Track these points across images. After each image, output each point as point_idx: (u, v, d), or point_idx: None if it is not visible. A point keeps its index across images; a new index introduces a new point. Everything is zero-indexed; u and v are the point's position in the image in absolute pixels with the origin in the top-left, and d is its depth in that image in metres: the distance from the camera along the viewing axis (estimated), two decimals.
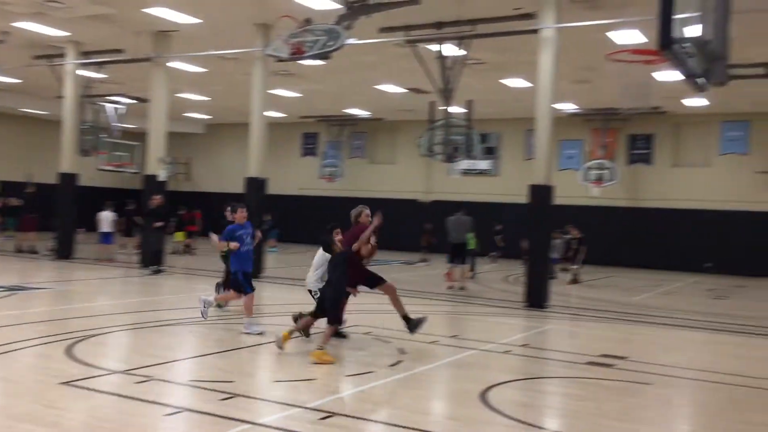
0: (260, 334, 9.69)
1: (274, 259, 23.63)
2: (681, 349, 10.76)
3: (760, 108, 24.07)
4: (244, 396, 6.70)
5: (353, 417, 6.19)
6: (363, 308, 13.03)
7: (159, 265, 17.64)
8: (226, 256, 11.41)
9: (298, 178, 33.43)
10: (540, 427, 6.26)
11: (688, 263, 25.31)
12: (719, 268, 25.07)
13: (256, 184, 17.80)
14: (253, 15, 16.65)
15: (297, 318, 9.71)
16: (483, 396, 7.03)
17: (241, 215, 10.41)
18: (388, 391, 7.24)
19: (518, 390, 7.48)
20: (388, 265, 23.30)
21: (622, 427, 6.40)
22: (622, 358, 9.16)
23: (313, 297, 9.73)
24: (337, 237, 9.19)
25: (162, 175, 18.84)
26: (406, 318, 9.35)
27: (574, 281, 19.19)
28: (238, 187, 20.38)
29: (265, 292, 14.05)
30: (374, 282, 9.50)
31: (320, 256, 9.70)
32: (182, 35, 18.26)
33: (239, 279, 10.12)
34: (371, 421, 6.26)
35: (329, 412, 6.20)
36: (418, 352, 9.13)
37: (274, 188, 22.29)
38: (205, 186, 35.87)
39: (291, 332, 8.83)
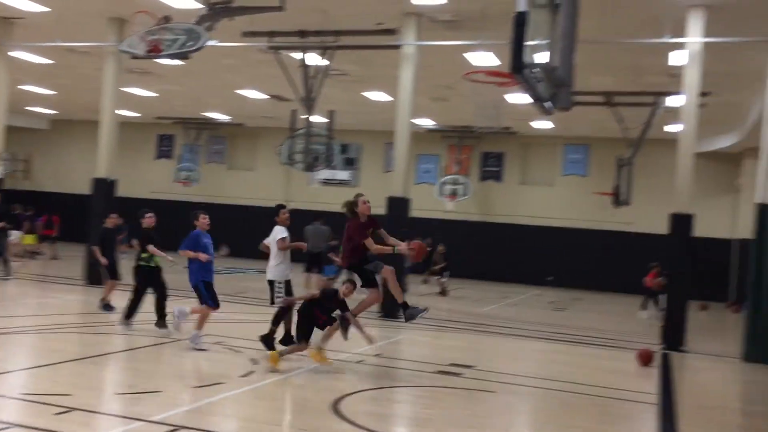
0: (204, 350, 9.23)
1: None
2: (523, 358, 11.34)
3: (598, 133, 25.97)
4: (81, 410, 6.29)
5: (199, 430, 5.98)
6: (213, 317, 12.68)
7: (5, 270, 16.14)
8: (144, 267, 10.79)
9: (151, 180, 32.09)
10: None
11: (531, 276, 26.78)
12: (559, 282, 26.75)
13: (104, 186, 16.87)
14: (107, 8, 15.83)
15: (267, 338, 9.32)
16: (335, 406, 7.03)
17: (203, 222, 9.98)
18: (238, 402, 7.07)
19: (370, 399, 7.55)
20: (243, 274, 22.87)
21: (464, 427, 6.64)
22: (469, 366, 9.51)
23: (274, 288, 9.47)
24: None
25: None
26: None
27: (443, 293, 19.87)
28: (84, 188, 19.21)
29: (114, 301, 13.31)
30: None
31: (274, 244, 9.44)
32: (28, 23, 17.00)
33: (201, 291, 9.55)
34: None
35: (174, 426, 5.95)
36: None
37: (124, 191, 21.24)
38: (47, 186, 33.57)
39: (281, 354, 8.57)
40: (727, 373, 11.66)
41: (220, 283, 20.12)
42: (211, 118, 30.09)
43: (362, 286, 8.81)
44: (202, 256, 9.53)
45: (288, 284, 9.58)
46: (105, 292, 12.49)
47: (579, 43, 6.70)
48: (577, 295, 24.14)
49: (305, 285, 16.96)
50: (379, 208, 17.94)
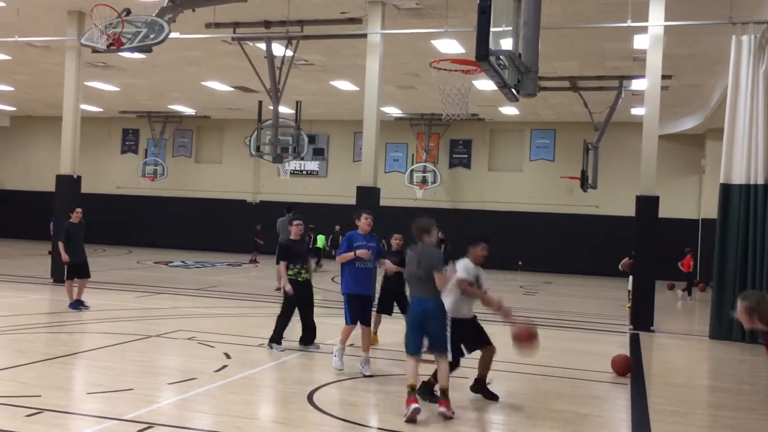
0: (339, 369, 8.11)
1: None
2: (495, 343, 11.41)
3: (563, 118, 26.21)
4: (53, 411, 6.20)
5: (174, 426, 5.94)
6: (185, 312, 12.59)
7: None
8: (292, 281, 9.28)
9: (116, 176, 31.65)
10: (366, 426, 6.37)
11: (502, 261, 26.99)
12: (530, 266, 27.01)
13: (69, 183, 16.59)
14: (65, 1, 15.52)
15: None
16: (310, 397, 7.03)
17: (365, 222, 8.28)
18: (212, 397, 7.03)
19: (345, 390, 7.56)
20: (213, 267, 22.71)
21: (443, 422, 6.68)
22: None
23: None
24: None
25: None
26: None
27: None
28: (48, 185, 18.90)
29: (98, 300, 13.12)
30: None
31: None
32: None
33: (344, 303, 8.25)
34: (194, 429, 6.04)
35: (148, 423, 5.90)
36: (244, 357, 8.95)
37: (89, 187, 20.92)
38: (8, 184, 32.94)
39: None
40: (695, 351, 11.90)
41: (190, 278, 19.95)
42: (177, 111, 29.73)
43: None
44: (361, 253, 8.03)
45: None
46: (68, 290, 12.19)
47: (543, 29, 6.73)
48: (548, 278, 24.40)
49: (276, 276, 16.85)
50: (349, 198, 17.96)
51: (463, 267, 7.23)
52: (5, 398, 6.53)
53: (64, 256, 12.13)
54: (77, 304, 12.04)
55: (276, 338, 9.46)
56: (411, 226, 7.10)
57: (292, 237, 9.71)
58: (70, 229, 12.34)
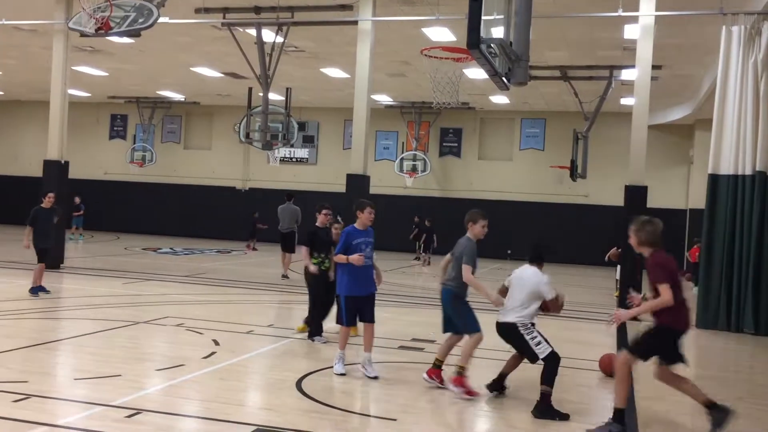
0: (375, 378, 7.52)
1: (76, 248, 22.12)
2: (484, 332, 11.47)
3: (553, 107, 26.24)
4: (40, 396, 6.18)
5: (162, 413, 5.94)
6: (173, 299, 12.57)
7: None
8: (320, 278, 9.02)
9: (104, 162, 31.46)
10: (355, 412, 6.39)
11: (492, 250, 26.98)
12: (519, 255, 27.07)
13: (56, 168, 16.47)
14: None
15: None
16: (299, 384, 7.04)
17: (369, 217, 7.72)
18: (200, 384, 7.03)
19: (333, 377, 7.57)
20: (202, 254, 22.66)
21: (431, 408, 6.71)
22: (431, 341, 9.59)
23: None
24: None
25: None
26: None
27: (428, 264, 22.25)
28: (36, 171, 18.78)
29: (69, 284, 13.10)
30: None
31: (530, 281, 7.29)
32: None
33: (340, 304, 7.88)
34: (182, 416, 6.04)
35: (136, 409, 5.89)
36: (233, 344, 8.95)
37: (76, 172, 20.78)
38: None
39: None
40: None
41: (178, 264, 19.87)
42: (166, 97, 29.55)
43: None
44: (354, 258, 7.47)
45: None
46: (37, 274, 11.96)
47: (534, 17, 6.73)
48: None
49: (282, 263, 16.90)
50: (339, 186, 17.93)
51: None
52: None
53: (26, 242, 11.86)
54: (37, 290, 11.79)
55: (316, 331, 9.31)
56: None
57: (318, 224, 9.49)
58: (39, 214, 12.01)
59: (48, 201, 12.16)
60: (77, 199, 26.06)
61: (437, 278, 7.76)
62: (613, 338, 11.16)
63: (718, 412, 6.09)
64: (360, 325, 8.03)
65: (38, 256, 12.04)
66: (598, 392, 7.85)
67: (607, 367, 8.06)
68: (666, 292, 5.80)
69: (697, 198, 23.49)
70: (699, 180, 22.74)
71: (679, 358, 6.20)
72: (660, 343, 6.05)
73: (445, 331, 7.54)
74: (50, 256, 12.24)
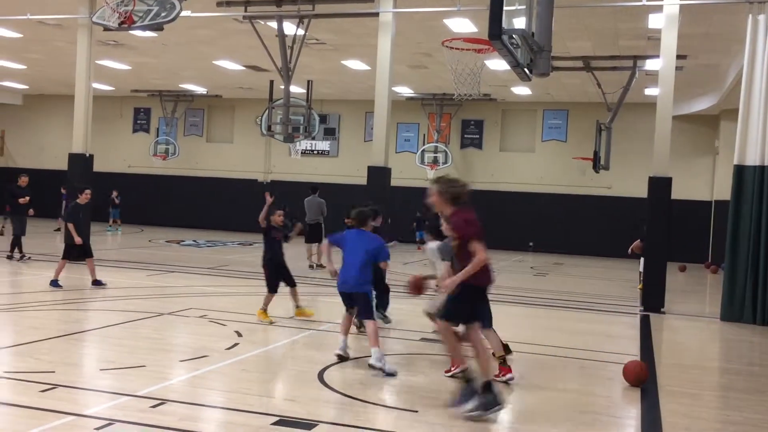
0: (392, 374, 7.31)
1: (104, 241, 22.39)
2: (505, 323, 11.43)
3: (576, 98, 26.01)
4: (66, 386, 6.28)
5: (187, 403, 6.00)
6: (196, 291, 12.68)
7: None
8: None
9: (128, 155, 31.76)
10: (377, 404, 6.41)
11: (513, 242, 26.98)
12: (540, 247, 26.97)
13: (81, 161, 16.67)
14: None
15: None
16: (321, 375, 7.08)
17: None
18: (224, 375, 7.09)
19: (355, 368, 7.60)
20: (225, 246, 22.82)
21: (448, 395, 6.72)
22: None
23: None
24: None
25: None
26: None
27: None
28: (61, 164, 19.00)
29: (110, 278, 13.23)
30: None
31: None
32: None
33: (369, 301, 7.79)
34: (205, 406, 6.10)
35: (161, 399, 5.97)
36: (255, 335, 9.02)
37: (101, 166, 21.01)
38: (22, 162, 33.10)
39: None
40: (706, 332, 11.88)
41: (201, 256, 20.04)
42: (188, 90, 29.74)
43: None
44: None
45: None
46: (59, 268, 12.18)
47: (556, 8, 6.67)
48: (558, 259, 24.37)
49: (308, 257, 17.10)
50: (360, 178, 17.96)
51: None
52: (20, 374, 6.63)
53: (77, 239, 12.11)
54: (56, 283, 11.95)
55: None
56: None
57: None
58: (78, 210, 12.31)
59: (84, 197, 12.40)
60: (115, 193, 26.48)
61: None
62: (635, 329, 11.09)
63: (490, 396, 5.85)
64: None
65: (68, 250, 12.27)
66: (621, 385, 7.80)
67: (631, 377, 7.41)
68: (480, 250, 5.78)
69: (722, 189, 23.19)
70: (724, 171, 22.45)
71: (484, 315, 6.37)
72: (467, 301, 6.07)
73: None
74: (79, 251, 12.42)
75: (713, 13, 14.73)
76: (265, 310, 9.81)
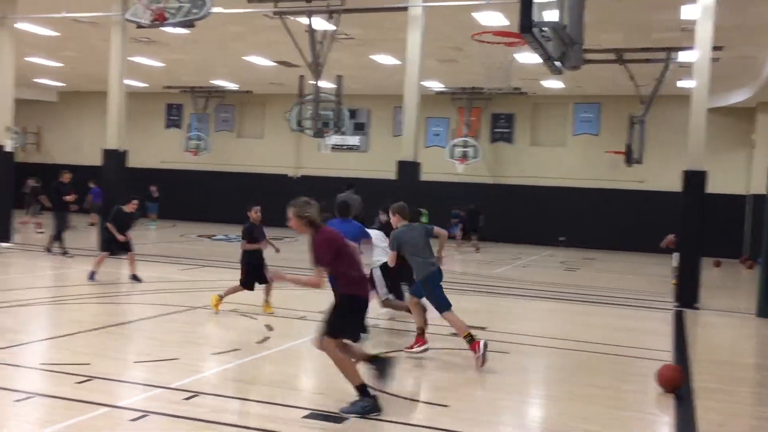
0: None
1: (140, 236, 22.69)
2: (535, 318, 11.39)
3: (608, 91, 25.66)
4: (101, 378, 6.40)
5: (219, 395, 6.08)
6: (228, 285, 12.79)
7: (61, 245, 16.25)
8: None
9: (160, 150, 32.15)
10: (407, 398, 6.42)
11: (544, 237, 26.76)
12: (572, 242, 26.71)
13: (115, 157, 16.93)
14: None
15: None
16: None
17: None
18: (255, 368, 7.17)
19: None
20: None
21: (485, 395, 6.70)
22: (482, 328, 9.56)
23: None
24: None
25: (9, 145, 17.53)
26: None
27: (477, 250, 22.65)
28: (95, 159, 19.30)
29: (128, 270, 13.44)
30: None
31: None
32: None
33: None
34: (237, 398, 6.17)
35: (193, 392, 6.05)
36: (286, 329, 9.09)
37: (134, 161, 21.30)
38: (58, 158, 33.71)
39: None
40: (741, 328, 11.67)
41: (232, 251, 20.19)
42: (219, 86, 29.99)
43: None
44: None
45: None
46: (98, 260, 12.40)
47: (588, 0, 6.58)
48: (590, 254, 24.12)
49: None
50: (389, 173, 17.94)
51: None
52: (57, 365, 6.77)
53: (120, 237, 12.33)
54: (93, 276, 12.16)
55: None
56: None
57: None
58: (120, 215, 12.50)
59: (131, 207, 12.58)
60: (153, 188, 26.93)
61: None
62: (669, 325, 10.94)
63: (379, 365, 6.12)
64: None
65: (107, 244, 12.52)
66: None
67: (667, 384, 7.03)
68: (319, 277, 5.81)
69: (759, 183, 22.71)
70: (761, 164, 21.98)
71: (363, 329, 6.31)
72: (350, 314, 6.01)
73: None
74: (119, 246, 12.63)
75: (750, 4, 14.42)
76: (221, 298, 9.93)
